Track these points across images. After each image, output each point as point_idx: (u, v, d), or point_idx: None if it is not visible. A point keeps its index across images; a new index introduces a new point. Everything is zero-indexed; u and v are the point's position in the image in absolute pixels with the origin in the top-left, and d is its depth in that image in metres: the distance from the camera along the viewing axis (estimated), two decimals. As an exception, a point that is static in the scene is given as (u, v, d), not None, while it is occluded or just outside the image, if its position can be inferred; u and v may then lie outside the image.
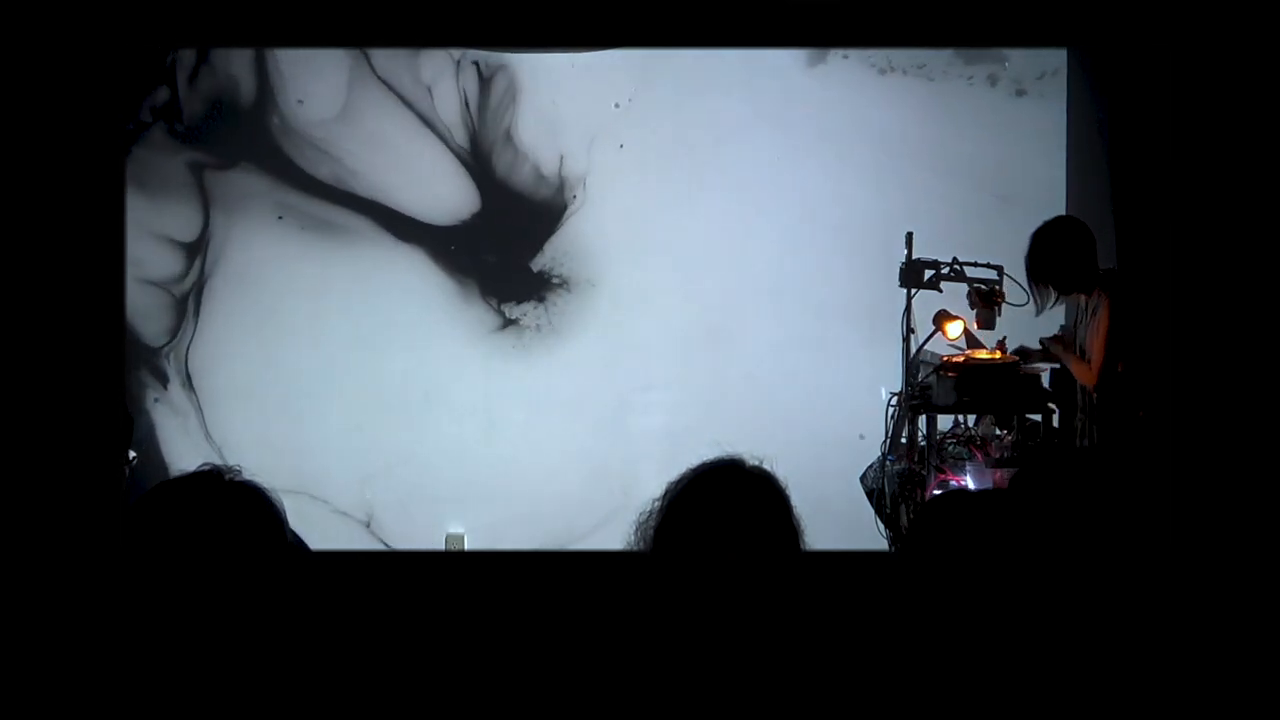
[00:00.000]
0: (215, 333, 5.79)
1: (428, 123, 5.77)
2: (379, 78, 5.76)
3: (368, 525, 5.74)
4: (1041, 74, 5.72)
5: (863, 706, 1.88)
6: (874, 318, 5.40)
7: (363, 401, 5.78)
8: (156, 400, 5.77)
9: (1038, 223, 4.66)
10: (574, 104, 5.76)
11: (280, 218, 5.71)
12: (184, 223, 5.77)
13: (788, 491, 2.27)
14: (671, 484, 2.26)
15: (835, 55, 5.77)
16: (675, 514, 2.19)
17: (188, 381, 5.77)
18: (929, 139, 5.75)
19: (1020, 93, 5.75)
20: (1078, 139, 5.60)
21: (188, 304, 5.77)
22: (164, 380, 5.77)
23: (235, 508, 1.93)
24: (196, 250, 5.77)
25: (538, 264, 5.81)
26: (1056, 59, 5.72)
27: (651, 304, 5.78)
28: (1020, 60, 5.74)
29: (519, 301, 5.80)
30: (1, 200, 4.69)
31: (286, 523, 2.00)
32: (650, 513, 2.23)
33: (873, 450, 4.93)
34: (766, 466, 2.30)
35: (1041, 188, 5.63)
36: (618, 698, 1.86)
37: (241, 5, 5.16)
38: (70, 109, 4.84)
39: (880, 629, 1.90)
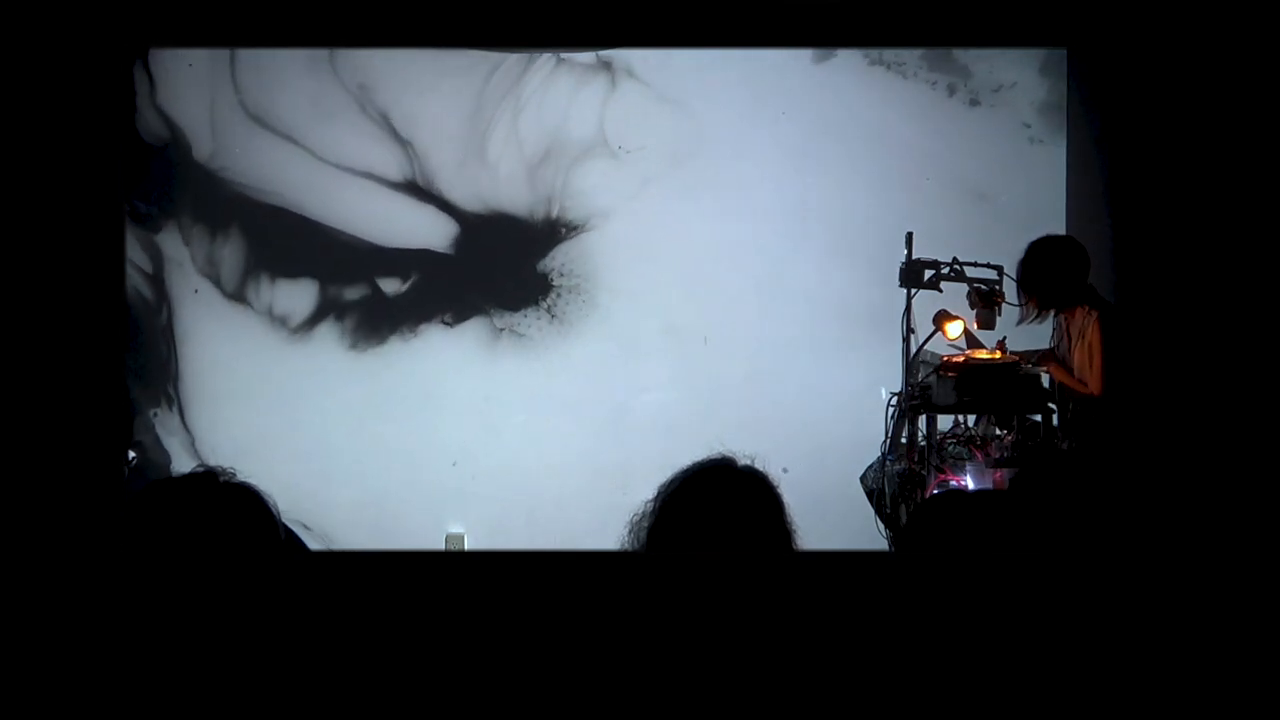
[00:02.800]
0: (203, 340, 5.77)
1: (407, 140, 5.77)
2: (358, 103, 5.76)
3: (364, 526, 5.74)
4: (998, 87, 5.73)
5: (862, 708, 1.88)
6: (874, 318, 5.39)
7: (362, 402, 5.78)
8: (155, 414, 5.76)
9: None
10: (568, 104, 5.75)
11: (196, 291, 5.70)
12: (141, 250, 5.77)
13: (779, 490, 2.26)
14: (663, 485, 2.25)
15: (840, 51, 5.76)
16: (668, 514, 2.18)
17: (179, 403, 5.77)
18: (901, 135, 5.75)
19: (974, 103, 5.75)
20: (1077, 147, 5.60)
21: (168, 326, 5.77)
22: (168, 401, 5.77)
23: (229, 508, 1.93)
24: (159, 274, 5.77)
25: (538, 266, 5.80)
26: (1014, 74, 5.72)
27: (651, 304, 5.78)
28: (982, 73, 5.73)
29: (515, 310, 5.79)
30: (4, 201, 4.70)
31: (280, 523, 2.00)
32: (643, 514, 2.22)
33: (865, 447, 4.94)
34: (758, 466, 2.29)
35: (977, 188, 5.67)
36: (618, 698, 1.86)
37: (237, 6, 5.16)
38: (71, 112, 4.85)
39: (880, 629, 1.90)
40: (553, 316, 5.78)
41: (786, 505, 2.26)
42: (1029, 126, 5.75)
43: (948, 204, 5.67)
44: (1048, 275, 4.63)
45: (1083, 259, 4.64)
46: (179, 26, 5.20)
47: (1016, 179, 5.71)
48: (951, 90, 5.74)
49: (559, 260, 5.79)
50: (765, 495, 2.23)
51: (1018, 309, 4.77)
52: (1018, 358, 4.79)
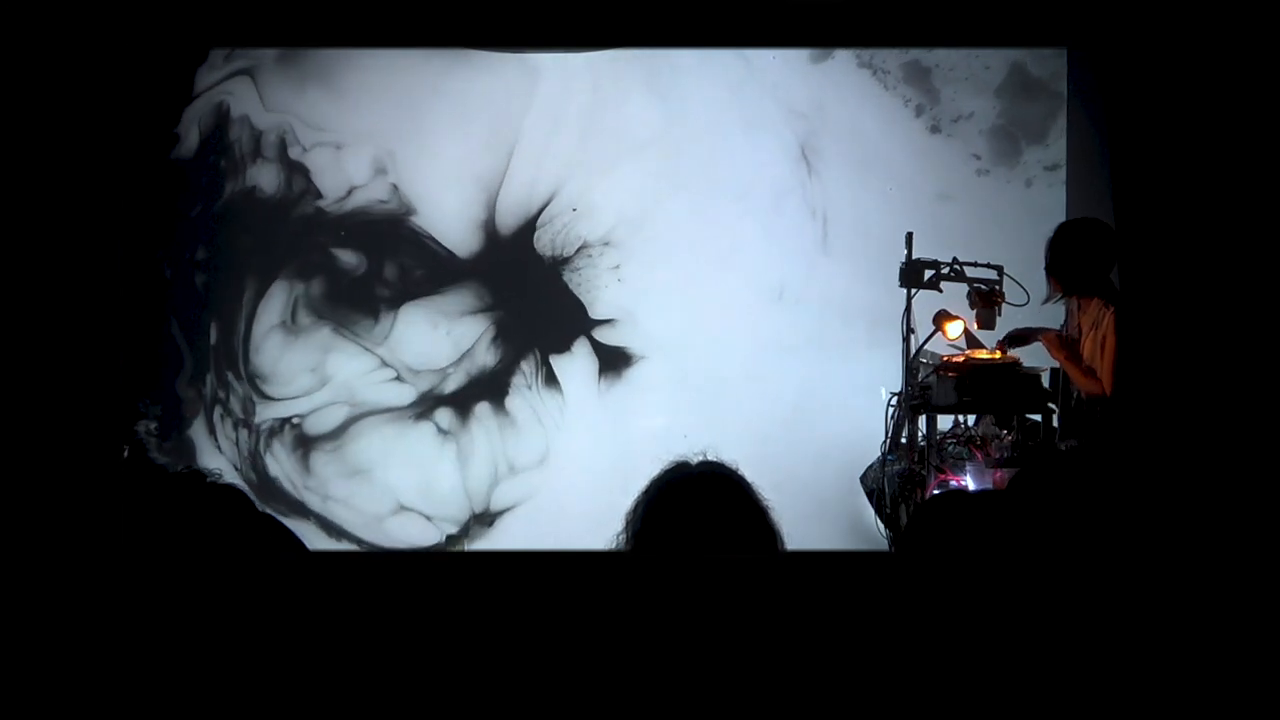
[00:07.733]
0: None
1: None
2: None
3: (369, 524, 5.75)
4: (958, 117, 5.72)
5: (862, 709, 1.88)
6: (874, 318, 5.39)
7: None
8: (152, 436, 5.78)
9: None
10: (569, 104, 5.75)
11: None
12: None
13: (740, 473, 2.22)
14: (629, 511, 2.23)
15: (838, 52, 5.76)
16: (643, 539, 2.16)
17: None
18: (878, 141, 5.75)
19: (934, 130, 5.74)
20: (1077, 148, 5.59)
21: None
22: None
23: (214, 509, 1.93)
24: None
25: (538, 267, 5.80)
26: (972, 105, 5.72)
27: (651, 304, 5.78)
28: (949, 100, 5.73)
29: (518, 314, 5.79)
30: (10, 203, 4.72)
31: (265, 521, 2.00)
32: (618, 545, 2.20)
33: (865, 447, 4.94)
34: (711, 456, 2.26)
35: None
36: (620, 698, 1.86)
37: (247, 8, 5.17)
38: (72, 114, 4.85)
39: (880, 630, 1.90)
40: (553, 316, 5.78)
41: (754, 487, 2.22)
42: (979, 158, 5.74)
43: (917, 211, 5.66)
44: (1076, 256, 4.57)
45: (1112, 243, 4.60)
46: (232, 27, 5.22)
47: (966, 208, 5.72)
48: (919, 111, 5.74)
49: (562, 266, 5.79)
50: (727, 487, 2.20)
51: (1049, 288, 4.73)
52: (1017, 358, 4.78)
